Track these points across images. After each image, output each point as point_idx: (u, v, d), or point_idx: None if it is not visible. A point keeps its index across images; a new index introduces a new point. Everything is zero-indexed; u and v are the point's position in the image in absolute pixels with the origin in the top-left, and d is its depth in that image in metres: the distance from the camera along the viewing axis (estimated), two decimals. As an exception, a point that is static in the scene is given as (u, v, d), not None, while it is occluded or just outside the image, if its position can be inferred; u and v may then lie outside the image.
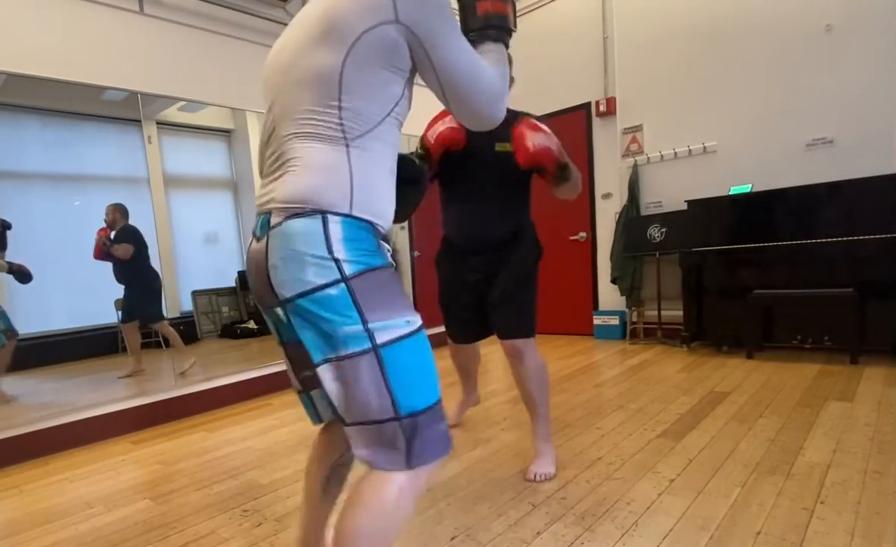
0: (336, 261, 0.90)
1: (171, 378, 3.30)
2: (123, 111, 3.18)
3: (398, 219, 1.24)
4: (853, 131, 3.46)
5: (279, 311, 0.98)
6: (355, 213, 0.93)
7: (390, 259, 1.00)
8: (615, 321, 4.59)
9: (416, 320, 0.97)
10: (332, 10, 0.90)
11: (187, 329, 4.23)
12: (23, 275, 3.06)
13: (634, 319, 4.58)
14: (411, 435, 0.91)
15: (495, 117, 1.01)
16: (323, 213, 0.91)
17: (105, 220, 3.23)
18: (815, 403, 2.51)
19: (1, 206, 2.96)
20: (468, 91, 0.96)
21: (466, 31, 1.06)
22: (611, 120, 4.58)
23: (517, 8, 5.07)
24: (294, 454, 2.41)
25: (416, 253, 4.91)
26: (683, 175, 4.22)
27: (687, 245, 3.88)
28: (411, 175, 1.23)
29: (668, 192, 4.31)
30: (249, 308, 4.84)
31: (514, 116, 1.83)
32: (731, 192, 3.80)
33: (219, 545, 1.65)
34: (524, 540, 1.53)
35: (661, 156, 4.32)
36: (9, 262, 3.01)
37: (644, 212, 4.42)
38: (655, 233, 4.14)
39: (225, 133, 4.53)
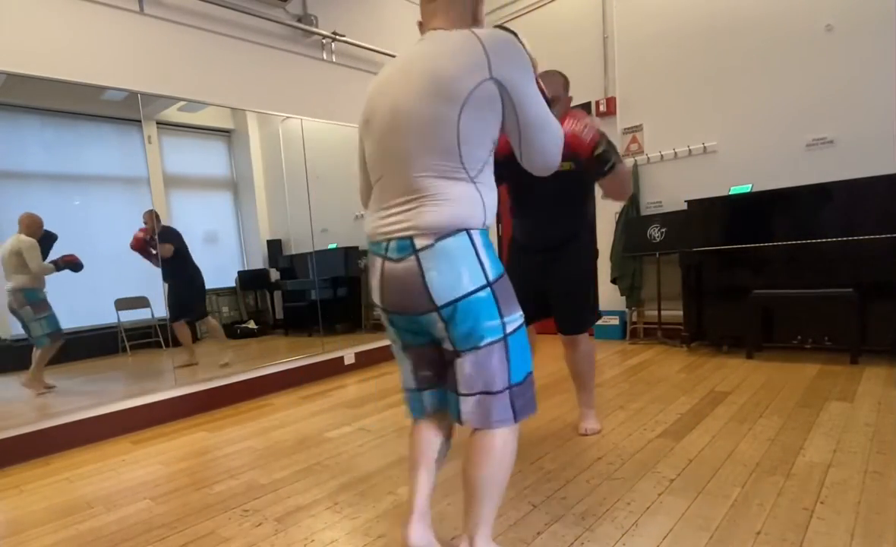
0: (482, 266, 1.17)
1: (170, 378, 3.30)
2: (123, 111, 3.18)
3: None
4: (853, 131, 3.46)
5: (433, 315, 1.19)
6: (487, 225, 1.21)
7: None
8: (615, 321, 4.59)
9: (521, 314, 1.26)
10: (441, 71, 1.11)
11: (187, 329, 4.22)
12: (74, 265, 3.15)
13: (634, 319, 4.58)
14: (516, 398, 1.22)
15: (554, 164, 1.24)
16: (467, 230, 1.16)
17: (145, 223, 3.41)
18: (815, 403, 2.51)
19: (1, 207, 2.96)
20: (540, 137, 1.19)
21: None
22: (611, 120, 4.58)
23: (517, 8, 5.07)
24: (294, 454, 2.41)
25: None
26: (683, 175, 4.22)
27: (687, 245, 3.88)
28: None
29: (668, 192, 4.31)
30: (249, 308, 4.84)
31: None
32: (731, 192, 3.80)
33: (219, 545, 1.65)
34: (524, 540, 1.53)
35: (661, 156, 4.32)
36: (53, 262, 3.11)
37: (644, 212, 4.42)
38: (655, 233, 4.14)
39: (225, 133, 4.52)
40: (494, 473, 1.24)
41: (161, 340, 3.59)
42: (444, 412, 1.39)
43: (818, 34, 3.54)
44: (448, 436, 1.45)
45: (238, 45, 3.51)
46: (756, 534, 1.46)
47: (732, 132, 3.97)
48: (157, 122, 3.67)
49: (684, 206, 3.98)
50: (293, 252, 4.65)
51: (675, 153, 4.26)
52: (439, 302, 1.16)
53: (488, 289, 1.18)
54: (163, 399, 3.12)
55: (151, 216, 3.38)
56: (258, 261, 4.68)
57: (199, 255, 4.09)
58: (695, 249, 3.80)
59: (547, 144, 1.20)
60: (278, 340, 4.74)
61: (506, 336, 1.20)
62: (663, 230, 4.10)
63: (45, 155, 3.16)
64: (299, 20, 3.86)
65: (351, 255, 4.88)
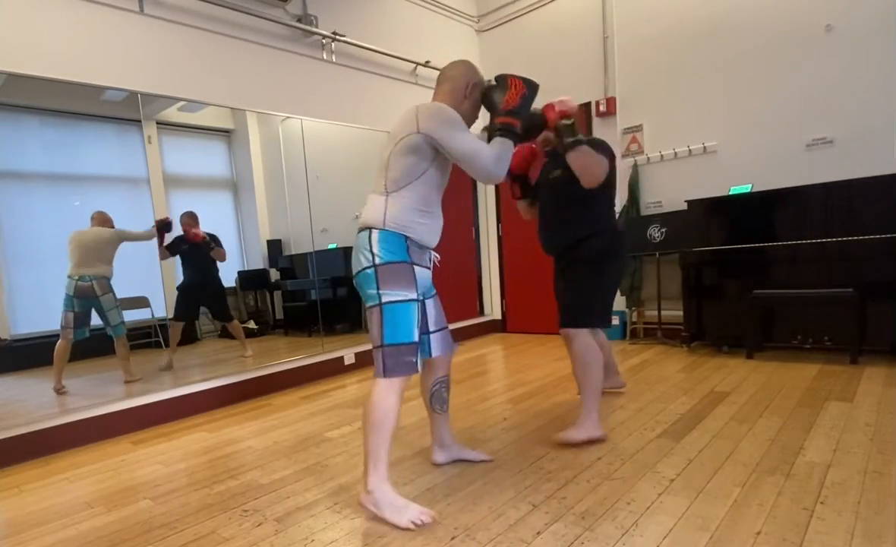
0: (373, 253, 1.70)
1: (170, 378, 3.30)
2: (123, 111, 3.18)
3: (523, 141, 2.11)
4: (853, 131, 3.46)
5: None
6: (388, 227, 1.71)
7: (415, 259, 1.74)
8: (615, 321, 4.59)
9: (409, 295, 1.69)
10: (393, 126, 1.77)
11: (187, 329, 4.22)
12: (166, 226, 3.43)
13: (634, 319, 4.58)
14: (387, 357, 1.68)
15: (492, 180, 1.74)
16: (370, 228, 1.73)
17: (183, 225, 3.62)
18: (815, 403, 2.51)
19: (1, 206, 2.96)
20: (472, 163, 1.69)
21: (492, 129, 1.78)
22: (611, 120, 4.58)
23: (517, 8, 5.07)
24: (294, 454, 2.41)
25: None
26: (683, 175, 4.22)
27: (687, 245, 3.88)
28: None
29: (668, 192, 4.31)
30: (249, 308, 4.84)
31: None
32: (731, 192, 3.79)
33: (219, 545, 1.65)
34: (524, 540, 1.53)
35: (661, 156, 4.32)
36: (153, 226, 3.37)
37: (644, 212, 4.42)
38: (655, 233, 4.14)
39: (225, 133, 4.52)
40: (368, 413, 1.69)
41: (161, 339, 3.59)
42: (427, 360, 1.94)
43: (818, 34, 3.54)
44: (436, 377, 1.99)
45: (238, 45, 3.51)
46: (756, 534, 1.46)
47: (732, 132, 3.97)
48: (157, 122, 3.67)
49: (684, 206, 3.98)
50: (293, 252, 4.65)
51: (675, 153, 4.26)
52: (353, 273, 1.77)
53: (373, 268, 1.69)
54: (163, 399, 3.12)
55: (193, 218, 3.62)
56: (258, 261, 4.68)
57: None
58: (695, 249, 3.80)
59: (480, 167, 1.69)
60: (278, 340, 4.74)
61: (381, 304, 1.68)
62: (663, 230, 4.10)
63: (45, 155, 3.16)
64: (299, 20, 3.86)
65: (351, 255, 4.88)
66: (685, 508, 1.63)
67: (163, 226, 3.38)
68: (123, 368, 3.35)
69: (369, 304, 1.71)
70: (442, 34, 5.04)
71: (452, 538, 1.57)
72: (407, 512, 1.65)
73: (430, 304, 1.90)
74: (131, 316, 3.51)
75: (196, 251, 3.66)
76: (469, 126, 1.83)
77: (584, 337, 2.23)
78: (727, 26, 3.92)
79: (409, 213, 1.72)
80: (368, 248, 1.69)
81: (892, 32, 3.29)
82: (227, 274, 4.59)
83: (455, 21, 5.20)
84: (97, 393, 3.07)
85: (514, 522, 1.63)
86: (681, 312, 4.03)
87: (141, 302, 3.54)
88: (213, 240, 3.76)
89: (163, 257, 3.42)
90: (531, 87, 1.82)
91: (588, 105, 4.70)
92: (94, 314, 3.23)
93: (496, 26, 5.29)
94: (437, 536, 1.58)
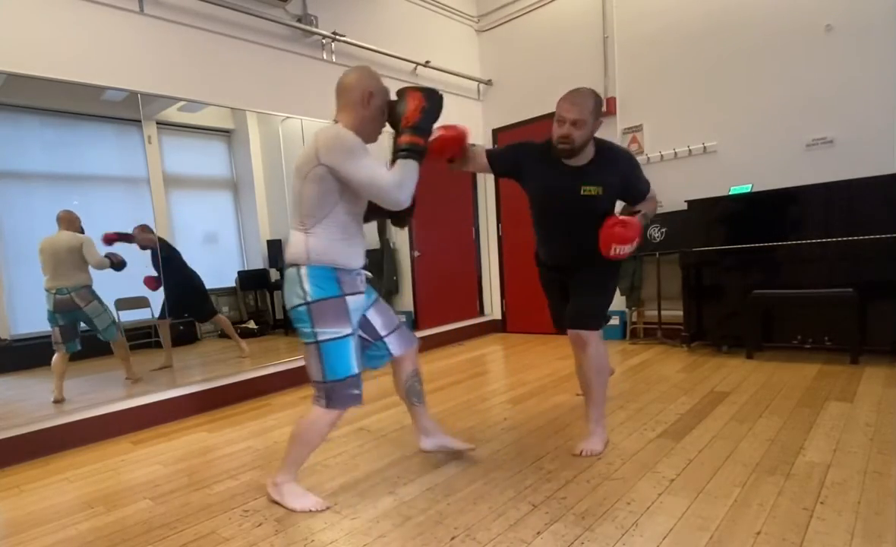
0: (304, 290, 1.72)
1: (171, 378, 3.31)
2: (123, 111, 3.18)
3: (400, 224, 2.09)
4: (853, 131, 3.46)
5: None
6: (312, 262, 1.72)
7: (347, 289, 1.76)
8: (615, 321, 4.59)
9: (343, 331, 1.74)
10: (298, 159, 1.74)
11: (187, 329, 4.22)
12: (121, 265, 3.29)
13: (634, 319, 4.58)
14: (330, 391, 1.74)
15: (393, 205, 1.67)
16: (297, 265, 1.74)
17: (140, 241, 3.48)
18: (815, 403, 2.51)
19: (1, 206, 2.96)
20: (370, 191, 1.67)
21: (394, 150, 1.73)
22: (611, 120, 4.58)
23: (517, 8, 5.07)
24: (294, 454, 2.41)
25: (417, 253, 4.91)
26: (683, 175, 4.22)
27: (687, 245, 3.88)
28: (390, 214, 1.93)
29: (668, 192, 4.31)
30: (249, 308, 4.84)
31: (612, 170, 2.12)
32: (731, 192, 3.79)
33: (219, 545, 1.65)
34: (524, 540, 1.53)
35: (661, 156, 4.32)
36: (107, 257, 3.24)
37: (644, 212, 4.41)
38: (655, 233, 4.14)
39: (225, 133, 4.52)
40: (301, 428, 1.81)
41: (161, 339, 3.59)
42: (395, 362, 2.02)
43: (818, 34, 3.54)
44: (405, 374, 2.03)
45: (238, 45, 3.51)
46: (756, 534, 1.46)
47: (732, 132, 3.97)
48: (157, 122, 3.68)
49: (684, 206, 3.98)
50: (293, 252, 4.64)
51: (675, 153, 4.26)
52: (287, 307, 1.78)
53: (305, 306, 1.71)
54: (163, 399, 3.12)
55: (147, 230, 3.43)
56: (258, 261, 4.68)
57: (199, 255, 4.10)
58: (695, 249, 3.80)
59: (379, 195, 1.66)
60: (278, 340, 4.74)
61: (318, 342, 1.72)
62: (663, 230, 4.10)
63: (45, 155, 3.16)
64: (299, 20, 3.86)
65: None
66: (685, 508, 1.64)
67: (119, 265, 3.28)
68: (125, 369, 3.33)
69: (305, 341, 1.75)
70: (442, 34, 5.04)
71: (452, 538, 1.57)
72: (305, 500, 1.84)
73: (372, 313, 1.94)
74: (132, 316, 3.51)
75: (163, 258, 3.48)
76: (375, 136, 1.83)
77: (599, 341, 2.15)
78: (727, 26, 3.92)
79: (330, 244, 1.73)
80: (299, 284, 1.72)
81: (892, 32, 3.29)
82: (227, 274, 4.60)
83: (455, 21, 5.20)
84: (97, 393, 3.07)
85: (514, 522, 1.63)
86: (681, 312, 4.03)
87: (141, 302, 3.54)
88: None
89: (156, 287, 3.41)
90: (431, 99, 1.75)
91: (588, 105, 4.70)
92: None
93: (496, 26, 5.29)
94: (437, 536, 1.59)
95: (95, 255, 3.18)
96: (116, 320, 3.32)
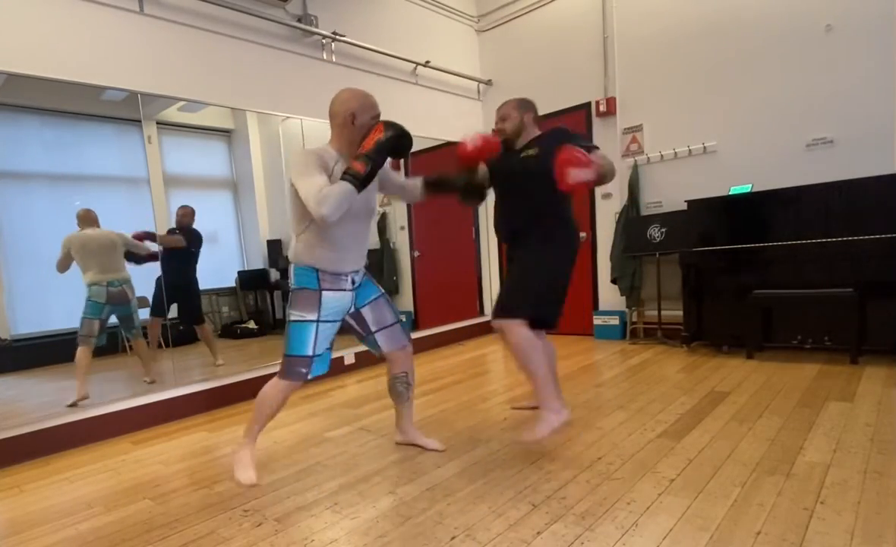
0: (291, 282, 2.06)
1: (171, 378, 3.30)
2: (123, 111, 3.18)
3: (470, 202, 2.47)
4: (853, 131, 3.46)
5: None
6: (297, 264, 2.03)
7: (326, 285, 2.03)
8: (615, 321, 4.59)
9: (308, 316, 2.02)
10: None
11: (188, 328, 4.22)
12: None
13: (634, 319, 4.58)
14: (286, 364, 2.04)
15: (319, 217, 1.82)
16: (290, 264, 2.06)
17: (179, 214, 3.59)
18: (815, 403, 2.51)
19: (1, 206, 2.96)
20: (307, 205, 1.83)
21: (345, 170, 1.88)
22: (611, 120, 4.58)
23: (517, 8, 5.07)
24: (294, 454, 2.41)
25: (417, 253, 4.92)
26: (683, 175, 4.22)
27: (687, 245, 3.88)
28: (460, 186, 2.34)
29: (668, 192, 4.31)
30: (249, 308, 4.84)
31: (552, 137, 2.22)
32: (731, 192, 3.80)
33: (219, 545, 1.65)
34: (524, 540, 1.53)
35: (661, 156, 4.32)
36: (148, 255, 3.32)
37: (644, 212, 4.42)
38: (655, 233, 4.14)
39: (225, 133, 4.52)
40: (260, 395, 2.09)
41: (161, 339, 3.59)
42: (387, 358, 2.28)
43: (818, 34, 3.54)
44: (393, 373, 2.28)
45: (238, 45, 3.51)
46: (756, 534, 1.46)
47: (732, 132, 3.97)
48: (157, 122, 3.67)
49: (684, 206, 3.98)
50: (293, 252, 4.64)
51: (675, 153, 4.26)
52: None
53: (291, 292, 2.05)
54: (163, 399, 3.12)
55: (189, 215, 3.58)
56: (258, 261, 4.68)
57: (199, 255, 4.08)
58: (695, 249, 3.80)
59: (309, 207, 1.83)
60: (278, 340, 4.72)
61: (288, 321, 2.04)
62: (663, 230, 4.10)
63: (45, 155, 3.16)
64: (299, 20, 3.86)
65: (351, 255, 4.87)
66: (685, 508, 1.64)
67: (147, 259, 3.35)
68: (146, 369, 3.35)
69: (286, 319, 2.08)
70: (442, 34, 5.04)
71: (452, 538, 1.57)
72: (245, 472, 2.09)
73: (366, 310, 2.19)
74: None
75: (174, 250, 3.54)
76: None
77: (517, 330, 2.13)
78: (727, 26, 3.92)
79: (312, 250, 2.00)
80: (290, 278, 2.06)
81: (892, 32, 3.29)
82: (228, 274, 4.59)
83: (455, 21, 5.20)
84: (97, 394, 3.07)
85: (514, 522, 1.63)
86: (681, 312, 4.03)
87: (141, 302, 3.54)
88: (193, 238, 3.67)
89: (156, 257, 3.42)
90: (390, 135, 1.88)
91: (588, 105, 4.70)
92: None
93: (496, 26, 5.29)
94: (437, 536, 1.59)
95: (139, 244, 3.31)
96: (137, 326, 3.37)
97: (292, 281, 2.04)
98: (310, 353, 2.03)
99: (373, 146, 1.87)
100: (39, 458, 2.66)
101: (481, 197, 2.39)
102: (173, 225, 3.68)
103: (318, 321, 2.03)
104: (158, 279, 3.46)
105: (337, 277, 2.05)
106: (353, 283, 2.11)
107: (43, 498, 2.16)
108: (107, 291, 3.11)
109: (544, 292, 2.21)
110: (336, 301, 2.06)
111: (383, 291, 2.25)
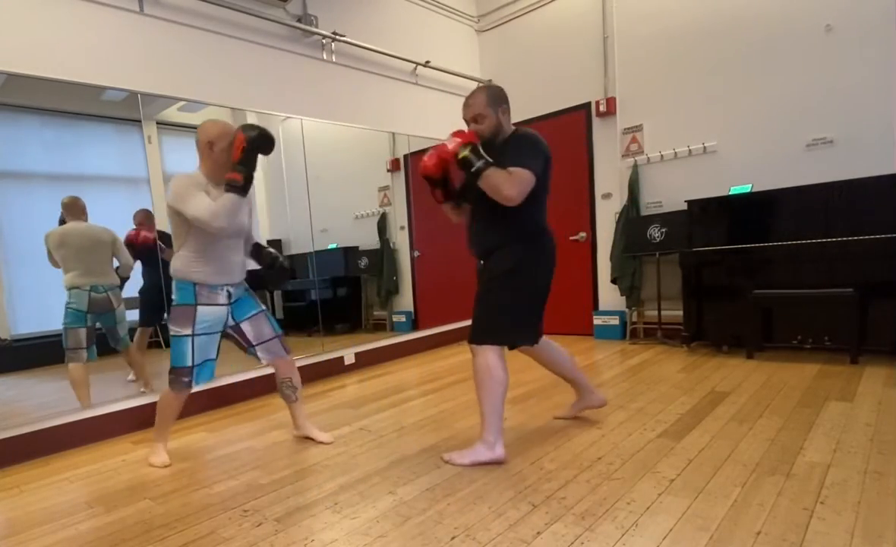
0: (172, 298, 2.25)
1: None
2: (123, 111, 3.18)
3: (275, 287, 3.21)
4: (853, 131, 3.46)
5: None
6: (175, 277, 2.24)
7: (203, 300, 2.23)
8: (615, 321, 4.59)
9: (184, 331, 2.22)
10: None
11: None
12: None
13: (634, 319, 4.58)
14: (171, 376, 2.26)
15: (217, 229, 2.08)
16: (172, 278, 2.26)
17: (141, 223, 3.21)
18: (815, 403, 2.51)
19: (1, 206, 2.96)
20: (199, 223, 2.08)
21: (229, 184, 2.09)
22: (611, 120, 4.58)
23: (517, 8, 5.07)
24: (294, 454, 2.41)
25: (417, 253, 4.92)
26: (683, 175, 4.22)
27: (687, 245, 3.88)
28: (267, 263, 2.54)
29: (668, 192, 4.31)
30: (249, 308, 4.83)
31: (513, 139, 2.10)
32: (731, 192, 3.80)
33: (219, 545, 1.65)
34: (524, 540, 1.53)
35: (661, 156, 4.32)
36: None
37: (644, 212, 4.42)
38: (655, 233, 4.14)
39: (225, 133, 4.52)
40: (159, 406, 2.39)
41: (161, 340, 3.59)
42: (273, 365, 2.52)
43: (818, 34, 3.54)
44: (279, 378, 2.53)
45: (238, 45, 3.51)
46: (756, 534, 1.46)
47: (732, 132, 3.97)
48: (157, 122, 3.67)
49: (684, 206, 3.99)
50: (293, 252, 4.65)
51: (675, 153, 4.26)
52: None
53: (172, 308, 2.24)
54: (163, 399, 3.12)
55: (149, 216, 3.25)
56: (258, 261, 4.67)
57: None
58: (695, 249, 3.80)
59: (204, 224, 2.09)
60: (278, 340, 4.73)
61: (171, 336, 2.24)
62: (663, 230, 4.10)
63: (45, 155, 3.16)
64: (299, 20, 3.86)
65: (351, 255, 4.88)
66: (685, 508, 1.64)
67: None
68: (143, 377, 3.13)
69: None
70: (442, 34, 5.04)
71: (452, 538, 1.57)
72: (158, 457, 2.39)
73: (245, 325, 2.39)
74: (132, 316, 3.50)
75: (151, 253, 3.25)
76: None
77: (486, 355, 2.06)
78: (727, 26, 3.92)
79: (188, 264, 2.20)
80: (173, 292, 2.25)
81: (892, 32, 3.29)
82: (227, 274, 4.59)
83: (455, 21, 5.20)
84: (97, 394, 3.06)
85: (514, 522, 1.63)
86: (681, 312, 4.03)
87: (133, 303, 3.53)
88: (164, 239, 3.15)
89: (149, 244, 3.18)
90: (251, 140, 2.06)
91: (588, 105, 4.70)
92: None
93: (496, 26, 5.29)
94: (437, 536, 1.59)
95: (128, 255, 2.97)
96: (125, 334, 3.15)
97: (174, 296, 2.24)
98: (189, 364, 2.23)
99: (241, 154, 2.07)
100: (39, 458, 2.66)
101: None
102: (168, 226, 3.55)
103: (192, 335, 2.22)
104: (140, 290, 3.31)
105: (213, 291, 2.25)
106: (230, 295, 2.32)
107: (43, 498, 2.16)
108: (89, 297, 2.78)
109: (524, 316, 2.14)
110: (211, 315, 2.25)
111: (264, 307, 2.46)
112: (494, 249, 2.14)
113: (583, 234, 4.87)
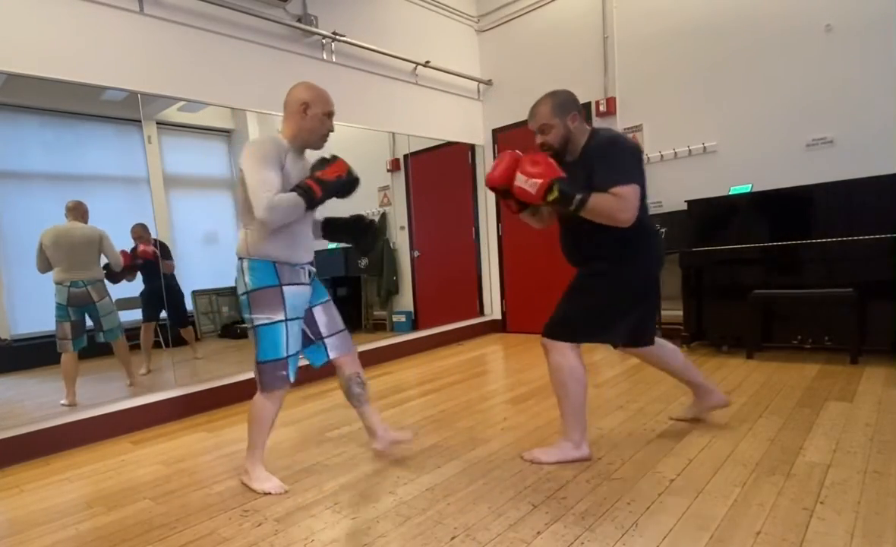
0: (245, 281, 1.94)
1: (171, 378, 3.30)
2: (123, 111, 3.18)
3: (363, 251, 2.46)
4: (853, 131, 3.46)
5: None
6: (252, 256, 1.93)
7: (286, 280, 1.94)
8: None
9: (276, 317, 1.92)
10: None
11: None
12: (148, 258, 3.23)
13: (634, 318, 4.57)
14: (261, 373, 1.95)
15: (261, 215, 1.78)
16: (239, 258, 1.97)
17: (139, 237, 3.35)
18: (815, 403, 2.51)
19: (1, 206, 2.96)
20: (252, 197, 1.81)
21: (298, 184, 1.89)
22: (611, 120, 4.58)
23: (517, 8, 5.07)
24: (294, 454, 2.41)
25: (416, 252, 4.92)
26: (683, 175, 4.22)
27: (687, 245, 3.88)
28: (359, 227, 2.25)
29: (669, 192, 4.31)
30: (249, 308, 4.83)
31: (592, 145, 1.99)
32: (731, 192, 3.80)
33: (219, 545, 1.65)
34: (524, 540, 1.53)
35: (662, 156, 4.32)
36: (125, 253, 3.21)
37: (644, 212, 4.41)
38: (655, 233, 4.13)
39: (225, 133, 4.52)
40: (250, 411, 2.01)
41: (161, 340, 3.59)
42: (336, 364, 2.16)
43: (818, 34, 3.54)
44: (344, 376, 2.16)
45: (238, 45, 3.51)
46: (756, 534, 1.46)
47: (732, 132, 3.97)
48: (157, 122, 3.67)
49: (684, 206, 3.98)
50: (293, 252, 4.64)
51: (675, 153, 4.26)
52: (237, 293, 2.00)
53: (246, 295, 1.94)
54: (163, 399, 3.12)
55: (146, 230, 3.35)
56: (258, 261, 4.67)
57: (199, 255, 4.09)
58: (695, 249, 3.80)
59: (254, 205, 1.79)
60: (278, 340, 4.73)
61: (255, 326, 1.93)
62: (663, 230, 4.09)
63: (45, 155, 3.16)
64: (299, 20, 3.86)
65: (351, 255, 4.88)
66: (685, 508, 1.64)
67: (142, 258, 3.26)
68: (127, 372, 3.26)
69: (248, 326, 1.97)
70: (442, 34, 5.04)
71: (452, 538, 1.57)
72: (267, 483, 2.01)
73: (318, 311, 2.12)
74: (132, 316, 3.51)
75: (149, 262, 3.39)
76: (319, 142, 2.03)
77: (565, 353, 2.01)
78: (727, 26, 3.92)
79: (267, 238, 1.91)
80: (241, 277, 1.95)
81: (892, 32, 3.29)
82: (228, 274, 4.60)
83: (455, 21, 5.19)
84: (98, 393, 3.06)
85: (514, 522, 1.63)
86: (681, 312, 4.03)
87: (133, 303, 3.53)
88: (163, 251, 3.42)
89: (131, 278, 3.33)
90: (349, 179, 1.95)
91: (588, 105, 4.70)
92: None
93: (496, 26, 5.29)
94: (437, 537, 1.59)
95: (115, 251, 3.10)
96: (120, 322, 3.27)
97: (248, 280, 1.91)
98: (284, 354, 1.93)
99: (332, 180, 1.91)
100: (39, 458, 2.66)
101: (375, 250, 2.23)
102: (168, 226, 3.63)
103: (286, 320, 1.93)
104: (141, 293, 3.45)
105: (294, 270, 1.97)
106: (310, 275, 2.06)
107: (43, 498, 2.16)
108: (68, 292, 2.92)
109: (614, 317, 2.03)
110: (297, 296, 1.98)
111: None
112: (592, 258, 2.03)
113: (583, 234, 4.86)
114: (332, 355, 2.12)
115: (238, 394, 3.45)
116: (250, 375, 3.55)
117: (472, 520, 1.67)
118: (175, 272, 3.61)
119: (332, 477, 2.11)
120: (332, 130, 2.05)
